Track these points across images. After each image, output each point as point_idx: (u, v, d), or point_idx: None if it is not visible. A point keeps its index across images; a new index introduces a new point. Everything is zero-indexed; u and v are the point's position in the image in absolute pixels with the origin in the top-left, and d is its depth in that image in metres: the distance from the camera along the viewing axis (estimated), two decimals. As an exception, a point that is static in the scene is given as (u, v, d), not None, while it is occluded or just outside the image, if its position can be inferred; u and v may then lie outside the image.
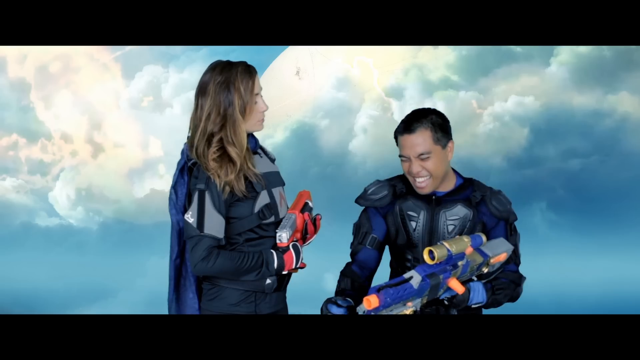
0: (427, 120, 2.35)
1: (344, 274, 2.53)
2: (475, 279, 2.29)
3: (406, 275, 1.96)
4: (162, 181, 6.77)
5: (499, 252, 2.23)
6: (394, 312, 1.94)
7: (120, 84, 6.94)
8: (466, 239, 2.08)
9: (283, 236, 2.15)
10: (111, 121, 6.94)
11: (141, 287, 6.22)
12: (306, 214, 2.26)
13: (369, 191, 2.54)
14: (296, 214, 2.21)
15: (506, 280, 2.40)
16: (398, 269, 2.55)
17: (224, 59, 2.22)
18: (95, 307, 6.07)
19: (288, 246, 2.16)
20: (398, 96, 6.58)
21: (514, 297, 2.45)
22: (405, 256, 2.49)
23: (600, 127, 6.38)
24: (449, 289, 2.11)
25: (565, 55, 6.42)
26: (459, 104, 6.50)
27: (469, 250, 2.10)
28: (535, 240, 5.83)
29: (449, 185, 2.45)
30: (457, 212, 2.42)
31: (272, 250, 2.15)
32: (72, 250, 6.78)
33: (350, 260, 2.58)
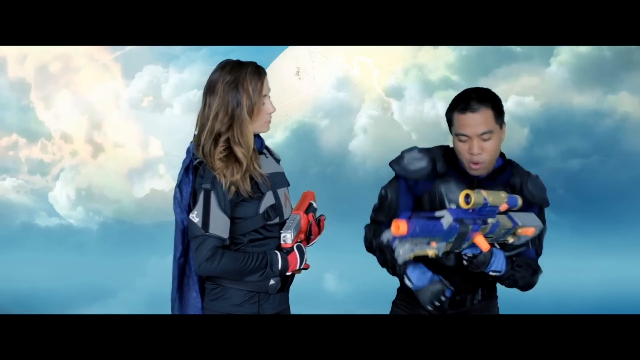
0: (488, 100, 2.26)
1: (375, 235, 2.39)
2: (497, 246, 2.23)
3: (438, 214, 1.92)
4: (162, 181, 6.77)
5: (528, 224, 2.18)
6: (417, 249, 1.89)
7: (120, 84, 6.95)
8: (503, 194, 2.02)
9: (287, 237, 2.14)
10: (111, 121, 6.94)
11: (141, 287, 6.22)
12: (310, 214, 2.25)
13: (406, 158, 2.38)
14: (300, 215, 2.21)
15: (526, 263, 2.31)
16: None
17: (224, 59, 2.22)
18: (95, 307, 6.07)
19: (292, 247, 2.16)
20: (398, 96, 6.57)
21: (529, 284, 2.34)
22: None
23: (600, 127, 6.38)
24: (473, 244, 2.06)
25: (565, 55, 6.42)
26: (459, 104, 6.49)
27: (503, 206, 2.03)
28: (535, 240, 5.81)
29: (490, 166, 2.34)
30: None
31: (276, 251, 2.15)
32: (72, 250, 6.78)
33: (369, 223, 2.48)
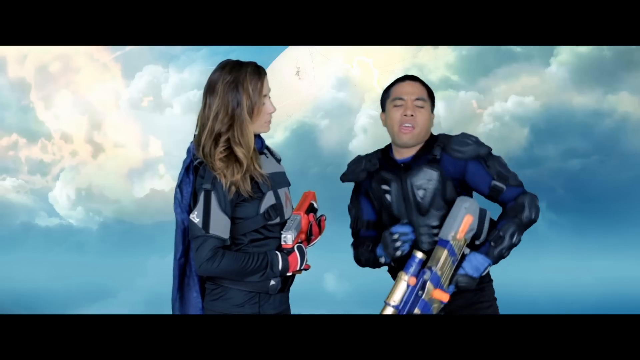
0: (422, 81, 2.52)
1: (358, 244, 2.57)
2: (468, 252, 2.29)
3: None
4: (162, 181, 6.77)
5: (456, 225, 2.23)
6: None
7: (120, 84, 6.95)
8: (403, 275, 2.23)
9: (288, 238, 2.14)
10: (111, 121, 6.94)
11: (141, 287, 6.22)
12: (311, 215, 2.25)
13: (348, 166, 2.60)
14: (301, 215, 2.20)
15: (502, 224, 2.32)
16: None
17: (224, 59, 2.22)
18: (95, 307, 6.07)
19: (293, 248, 2.15)
20: (398, 96, 6.57)
21: (526, 225, 2.35)
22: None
23: (600, 127, 6.38)
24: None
25: (565, 55, 6.42)
26: (459, 104, 6.50)
27: (411, 280, 2.21)
28: (535, 240, 5.81)
29: (416, 149, 2.45)
30: (423, 176, 2.40)
31: (276, 252, 2.15)
32: (72, 250, 6.78)
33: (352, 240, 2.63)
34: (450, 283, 2.25)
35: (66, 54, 6.84)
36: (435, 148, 2.42)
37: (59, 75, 6.92)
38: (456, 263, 2.25)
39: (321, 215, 2.32)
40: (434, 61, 6.66)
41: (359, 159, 2.58)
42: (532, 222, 2.36)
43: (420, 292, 2.19)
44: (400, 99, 2.44)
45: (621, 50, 6.23)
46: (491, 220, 2.37)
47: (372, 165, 2.51)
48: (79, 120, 6.92)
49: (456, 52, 6.59)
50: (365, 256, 2.52)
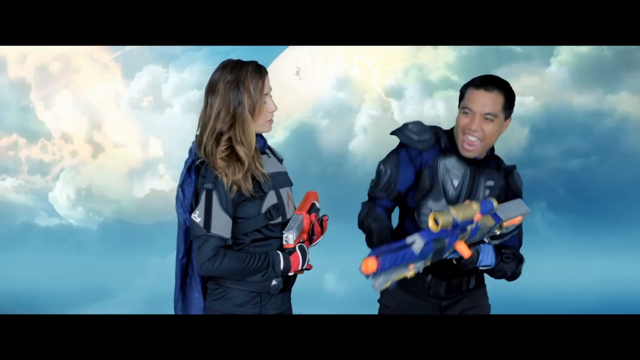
0: (504, 87, 2.34)
1: (375, 219, 2.39)
2: (487, 240, 2.25)
3: (408, 240, 1.90)
4: (162, 181, 6.76)
5: (513, 215, 2.19)
6: (393, 276, 1.89)
7: (120, 84, 6.94)
8: (475, 206, 2.00)
9: (289, 237, 2.14)
10: (111, 121, 6.94)
11: (141, 287, 6.22)
12: (313, 215, 2.24)
13: (410, 128, 2.43)
14: (303, 215, 2.20)
15: (512, 253, 2.35)
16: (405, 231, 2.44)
17: (224, 59, 2.22)
18: (95, 307, 6.07)
19: (294, 247, 2.15)
20: (398, 96, 6.57)
21: (515, 274, 2.38)
22: (422, 210, 2.38)
23: (600, 127, 6.38)
24: (455, 251, 2.06)
25: (565, 55, 6.42)
26: (459, 104, 6.49)
27: (477, 217, 2.01)
28: (535, 240, 5.83)
29: (483, 152, 2.40)
30: (494, 178, 2.39)
31: (278, 252, 2.15)
32: (72, 250, 6.78)
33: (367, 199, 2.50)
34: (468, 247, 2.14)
35: (66, 54, 6.84)
36: (503, 164, 2.45)
37: (59, 75, 6.92)
38: (482, 239, 2.21)
39: (323, 215, 2.31)
40: (434, 61, 6.66)
41: (424, 128, 2.41)
42: (517, 276, 2.39)
43: (456, 232, 2.01)
44: (469, 109, 2.32)
45: (621, 50, 6.23)
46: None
47: (444, 143, 2.39)
48: (79, 120, 6.92)
49: (456, 52, 6.59)
50: (368, 240, 2.38)
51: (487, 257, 2.24)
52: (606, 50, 6.34)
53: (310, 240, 2.26)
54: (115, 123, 6.94)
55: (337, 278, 5.84)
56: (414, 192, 2.42)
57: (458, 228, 1.99)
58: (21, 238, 6.81)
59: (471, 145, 2.32)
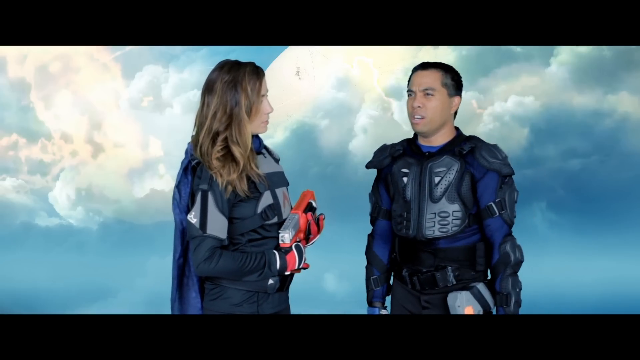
0: (441, 65, 2.50)
1: (369, 261, 2.69)
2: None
3: None
4: (162, 181, 6.77)
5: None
6: None
7: (120, 84, 6.94)
8: None
9: (285, 237, 2.14)
10: (111, 121, 6.94)
11: (141, 287, 6.22)
12: (309, 214, 2.25)
13: (374, 152, 2.65)
14: (299, 214, 2.20)
15: (500, 285, 2.44)
16: (400, 266, 2.58)
17: (224, 59, 2.22)
18: (95, 307, 6.07)
19: (291, 247, 2.16)
20: (398, 96, 6.57)
21: (517, 269, 2.45)
22: (392, 216, 2.55)
23: (600, 127, 6.38)
24: None
25: (565, 55, 6.42)
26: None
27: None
28: (535, 240, 5.82)
29: (444, 139, 2.50)
30: (443, 164, 2.44)
31: (274, 251, 2.15)
32: (72, 250, 6.78)
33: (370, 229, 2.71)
34: None
35: (66, 54, 6.84)
36: (465, 144, 2.47)
37: (59, 75, 6.92)
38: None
39: (320, 214, 2.31)
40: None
41: (384, 147, 2.63)
42: (521, 262, 2.45)
43: None
44: (410, 91, 2.49)
45: (621, 50, 6.23)
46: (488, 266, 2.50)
47: (395, 151, 2.56)
48: (79, 120, 6.92)
49: (456, 52, 6.58)
50: (366, 274, 2.70)
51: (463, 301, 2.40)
52: (606, 50, 6.33)
53: (307, 239, 2.26)
54: (115, 123, 6.94)
55: (337, 278, 5.84)
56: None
57: None
58: (21, 238, 6.81)
59: (417, 120, 2.46)
